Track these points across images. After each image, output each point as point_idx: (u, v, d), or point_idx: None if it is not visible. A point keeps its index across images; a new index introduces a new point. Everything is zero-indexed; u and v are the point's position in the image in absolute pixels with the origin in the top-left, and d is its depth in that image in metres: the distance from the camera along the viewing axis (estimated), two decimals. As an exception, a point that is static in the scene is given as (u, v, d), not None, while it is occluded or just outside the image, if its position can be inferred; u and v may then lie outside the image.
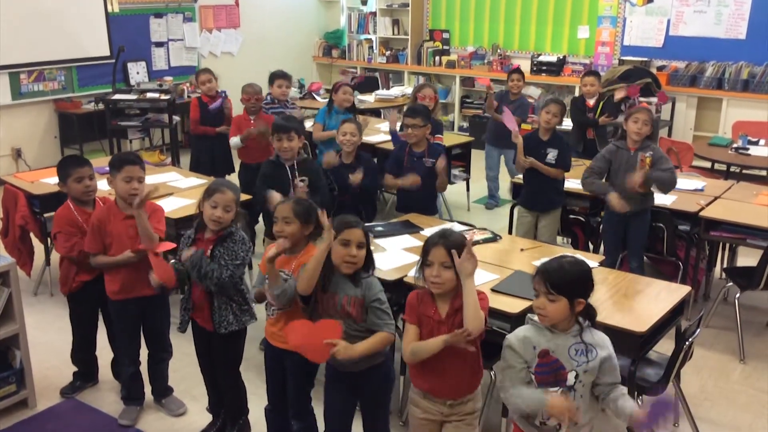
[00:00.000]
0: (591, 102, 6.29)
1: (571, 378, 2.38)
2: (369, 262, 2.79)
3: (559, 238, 5.34)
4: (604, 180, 4.55)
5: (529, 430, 2.50)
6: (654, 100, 7.61)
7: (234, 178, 5.84)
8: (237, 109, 6.17)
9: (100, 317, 3.81)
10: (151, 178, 4.76)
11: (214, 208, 3.08)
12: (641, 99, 7.62)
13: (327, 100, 6.21)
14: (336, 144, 4.82)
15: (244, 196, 4.63)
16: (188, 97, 8.29)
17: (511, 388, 2.44)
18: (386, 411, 3.00)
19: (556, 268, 2.37)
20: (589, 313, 2.42)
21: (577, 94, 6.52)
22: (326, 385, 2.91)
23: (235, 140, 5.67)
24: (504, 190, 6.85)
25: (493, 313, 3.16)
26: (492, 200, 7.04)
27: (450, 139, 6.55)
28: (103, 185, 3.89)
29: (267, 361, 3.14)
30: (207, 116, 6.12)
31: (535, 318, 2.43)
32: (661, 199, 4.63)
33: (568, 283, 2.34)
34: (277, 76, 6.12)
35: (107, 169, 3.56)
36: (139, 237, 3.34)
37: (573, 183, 5.10)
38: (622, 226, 4.56)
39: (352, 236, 2.69)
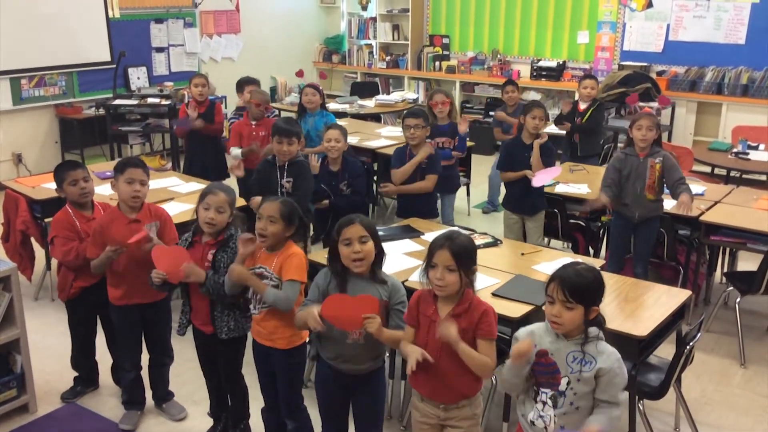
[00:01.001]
0: (582, 106, 6.28)
1: (563, 384, 2.38)
2: (379, 257, 2.74)
3: (559, 243, 5.36)
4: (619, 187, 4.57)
5: (526, 430, 2.51)
6: (655, 104, 7.63)
7: (230, 182, 5.82)
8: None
9: (99, 322, 3.82)
10: (152, 183, 4.76)
11: (206, 210, 3.09)
12: (641, 104, 7.66)
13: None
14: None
15: (241, 201, 4.67)
16: (185, 102, 8.30)
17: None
18: (379, 418, 2.97)
19: (573, 276, 2.34)
20: (598, 320, 2.40)
21: (576, 97, 6.53)
22: (318, 384, 2.91)
23: (235, 151, 5.56)
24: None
25: (494, 318, 3.17)
26: (490, 205, 7.04)
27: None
28: (107, 189, 3.93)
29: (256, 360, 3.12)
30: None
31: None
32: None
33: (585, 291, 2.33)
34: (247, 83, 6.08)
35: (107, 174, 3.59)
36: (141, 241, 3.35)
37: (573, 188, 5.12)
38: (630, 232, 4.57)
39: (351, 234, 2.66)
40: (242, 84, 6.14)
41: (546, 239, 5.22)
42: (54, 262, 4.62)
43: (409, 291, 2.96)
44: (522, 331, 2.48)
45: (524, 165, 4.81)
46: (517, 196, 4.93)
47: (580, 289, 2.32)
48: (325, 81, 9.90)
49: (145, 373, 3.71)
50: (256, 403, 3.41)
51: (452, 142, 5.58)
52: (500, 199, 6.95)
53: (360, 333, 2.69)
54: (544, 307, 2.46)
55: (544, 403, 2.41)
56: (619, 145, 7.50)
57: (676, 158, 6.24)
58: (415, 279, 3.46)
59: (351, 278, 2.72)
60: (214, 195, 3.08)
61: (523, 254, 3.96)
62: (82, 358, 3.87)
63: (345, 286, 2.71)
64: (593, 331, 2.38)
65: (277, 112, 6.11)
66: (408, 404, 3.46)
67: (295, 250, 2.95)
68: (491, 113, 8.73)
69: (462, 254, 2.52)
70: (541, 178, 4.70)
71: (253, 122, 5.65)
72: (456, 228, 4.11)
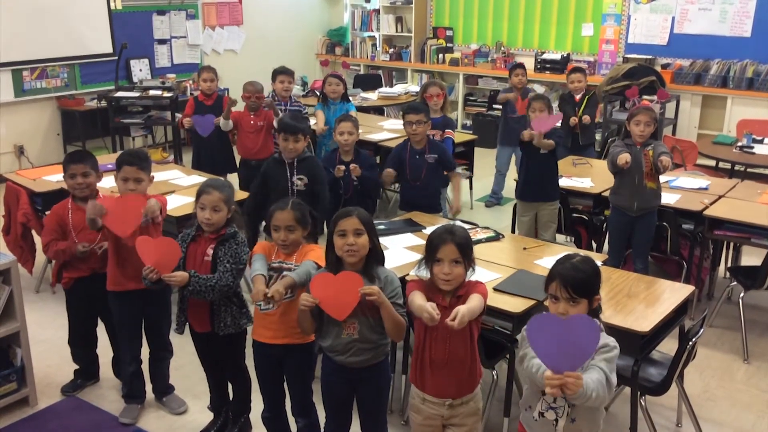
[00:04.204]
0: (577, 97, 6.39)
1: None
2: (376, 254, 2.74)
3: (562, 237, 5.33)
4: (614, 179, 4.57)
5: (530, 426, 2.48)
6: (654, 98, 7.59)
7: (235, 177, 5.82)
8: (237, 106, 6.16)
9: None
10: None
11: (202, 209, 3.07)
12: (645, 97, 7.61)
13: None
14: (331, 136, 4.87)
15: (243, 194, 4.66)
16: (191, 94, 8.28)
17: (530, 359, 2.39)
18: (383, 410, 2.98)
19: (573, 272, 2.34)
20: (596, 310, 2.40)
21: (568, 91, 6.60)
22: (323, 378, 2.90)
23: (223, 122, 5.70)
24: (510, 189, 6.82)
25: (496, 313, 3.16)
26: (493, 198, 7.01)
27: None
28: (108, 182, 3.94)
29: (260, 364, 3.09)
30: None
31: None
32: (665, 198, 4.61)
33: (587, 285, 2.33)
34: (279, 73, 6.10)
35: (109, 166, 3.59)
36: (132, 218, 3.32)
37: (576, 182, 5.09)
38: (629, 227, 4.54)
39: (346, 225, 2.66)
40: (275, 74, 6.15)
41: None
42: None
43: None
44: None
45: (535, 153, 4.77)
46: (529, 182, 4.86)
47: (582, 285, 2.32)
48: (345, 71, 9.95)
49: (145, 367, 3.70)
50: (257, 396, 3.40)
51: (443, 135, 5.55)
52: (504, 193, 6.96)
53: (354, 327, 2.70)
54: (546, 303, 2.44)
55: None
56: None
57: (681, 152, 6.27)
58: (414, 272, 3.43)
59: (344, 269, 2.70)
60: (208, 194, 3.06)
61: (525, 249, 3.94)
62: (78, 348, 3.85)
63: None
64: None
65: (280, 103, 6.05)
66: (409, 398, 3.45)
67: (313, 247, 2.98)
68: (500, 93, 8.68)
69: (466, 246, 2.55)
70: (541, 123, 4.64)
71: (251, 113, 5.71)
72: (453, 222, 4.10)
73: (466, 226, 4.11)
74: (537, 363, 2.31)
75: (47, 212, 4.74)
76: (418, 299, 2.53)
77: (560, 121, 6.29)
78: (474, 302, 2.50)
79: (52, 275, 3.79)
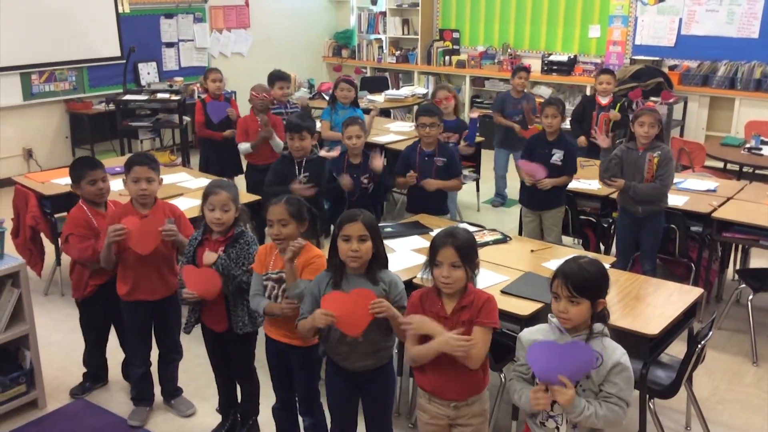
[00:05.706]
0: (604, 101, 6.13)
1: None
2: (380, 258, 2.73)
3: (570, 239, 5.32)
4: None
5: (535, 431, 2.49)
6: (658, 100, 7.57)
7: (242, 179, 5.83)
8: (243, 109, 6.17)
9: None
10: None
11: (211, 210, 3.08)
12: (653, 99, 7.60)
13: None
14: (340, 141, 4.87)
15: (250, 197, 4.68)
16: (198, 97, 8.30)
17: (516, 382, 2.46)
18: (389, 412, 2.98)
19: (576, 270, 2.32)
20: (602, 315, 2.38)
21: (588, 92, 6.46)
22: (327, 381, 2.90)
23: (244, 146, 5.57)
24: (514, 191, 6.82)
25: (504, 316, 3.14)
26: (498, 198, 7.02)
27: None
28: (116, 185, 3.94)
29: (270, 358, 3.11)
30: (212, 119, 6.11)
31: (555, 320, 2.39)
32: (673, 199, 4.60)
33: (589, 285, 2.31)
34: (277, 78, 6.07)
35: (117, 169, 3.60)
36: (153, 237, 3.33)
37: (584, 184, 5.08)
38: (636, 228, 4.53)
39: (351, 231, 2.64)
40: (273, 79, 6.13)
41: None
42: (65, 258, 4.63)
43: (417, 288, 2.94)
44: (526, 337, 2.45)
45: (544, 160, 4.79)
46: (532, 190, 4.85)
47: (584, 284, 2.30)
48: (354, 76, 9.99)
49: (154, 369, 3.71)
50: (265, 399, 3.41)
51: (459, 137, 5.55)
52: (507, 191, 6.97)
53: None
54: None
55: (554, 402, 2.38)
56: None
57: (689, 153, 6.24)
58: (421, 275, 3.44)
59: (348, 277, 2.70)
60: (216, 195, 3.08)
61: (532, 251, 3.93)
62: (95, 356, 3.88)
63: (341, 283, 2.70)
64: (598, 327, 2.36)
65: (279, 107, 6.05)
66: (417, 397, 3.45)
67: (316, 251, 2.95)
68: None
69: (465, 249, 2.53)
70: (527, 168, 4.74)
71: (259, 117, 5.66)
72: (456, 224, 4.10)
73: (473, 229, 4.11)
74: (519, 388, 2.40)
75: (56, 215, 4.80)
76: (414, 349, 2.58)
77: (575, 131, 6.25)
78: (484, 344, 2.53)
79: (75, 288, 3.68)
